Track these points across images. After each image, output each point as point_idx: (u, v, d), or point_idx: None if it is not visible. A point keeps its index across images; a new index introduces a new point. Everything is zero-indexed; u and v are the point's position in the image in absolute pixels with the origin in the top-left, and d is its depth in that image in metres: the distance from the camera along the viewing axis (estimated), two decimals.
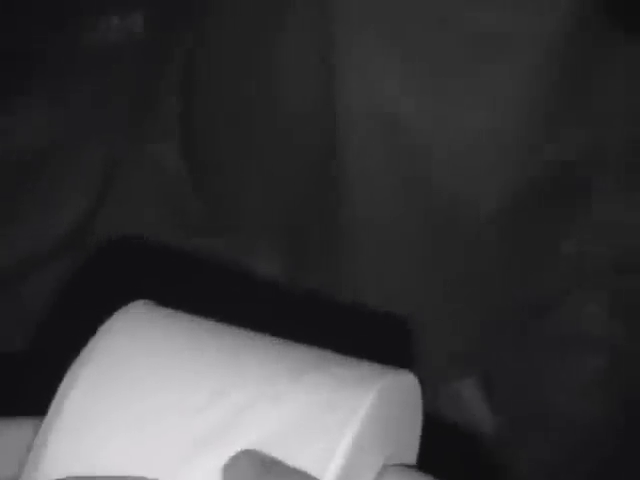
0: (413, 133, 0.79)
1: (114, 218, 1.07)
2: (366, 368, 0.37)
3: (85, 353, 0.37)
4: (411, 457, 0.40)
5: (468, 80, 0.77)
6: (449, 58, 0.77)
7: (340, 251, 0.86)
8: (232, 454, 0.34)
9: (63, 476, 0.34)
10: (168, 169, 1.02)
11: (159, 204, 1.06)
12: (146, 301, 0.40)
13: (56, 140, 1.09)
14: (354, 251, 0.85)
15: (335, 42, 0.78)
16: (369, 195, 0.82)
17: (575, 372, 0.90)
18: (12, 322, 1.00)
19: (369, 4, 0.76)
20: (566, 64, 0.77)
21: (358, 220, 0.83)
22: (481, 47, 0.76)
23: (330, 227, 0.85)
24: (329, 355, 0.38)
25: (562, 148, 0.80)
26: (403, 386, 0.38)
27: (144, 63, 0.98)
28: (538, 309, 0.90)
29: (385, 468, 0.36)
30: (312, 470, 0.33)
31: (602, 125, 0.79)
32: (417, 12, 0.75)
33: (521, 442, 1.10)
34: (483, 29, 0.75)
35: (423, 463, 0.40)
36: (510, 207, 0.82)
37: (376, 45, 0.77)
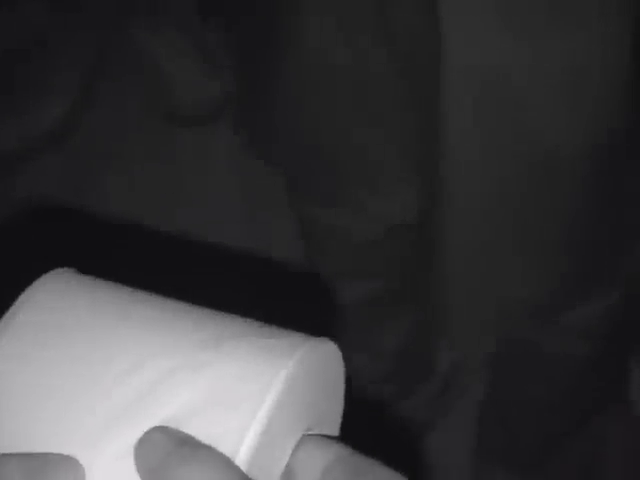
0: (513, 82, 0.79)
1: (101, 111, 1.06)
2: (287, 337, 0.36)
3: (1, 325, 0.37)
4: (333, 428, 0.39)
5: (566, 27, 0.77)
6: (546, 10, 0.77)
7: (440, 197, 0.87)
8: (148, 428, 0.34)
9: None
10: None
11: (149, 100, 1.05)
12: (67, 269, 0.39)
13: (43, 32, 1.07)
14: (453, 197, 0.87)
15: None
16: (472, 142, 0.83)
17: None
18: None
19: None
20: None
21: (460, 167, 0.83)
22: None
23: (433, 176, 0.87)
24: (252, 324, 0.37)
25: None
26: (325, 355, 0.37)
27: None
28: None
29: (304, 438, 0.36)
30: (229, 441, 0.33)
31: None
32: None
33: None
34: None
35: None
36: (607, 150, 0.82)
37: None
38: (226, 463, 0.32)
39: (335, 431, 0.39)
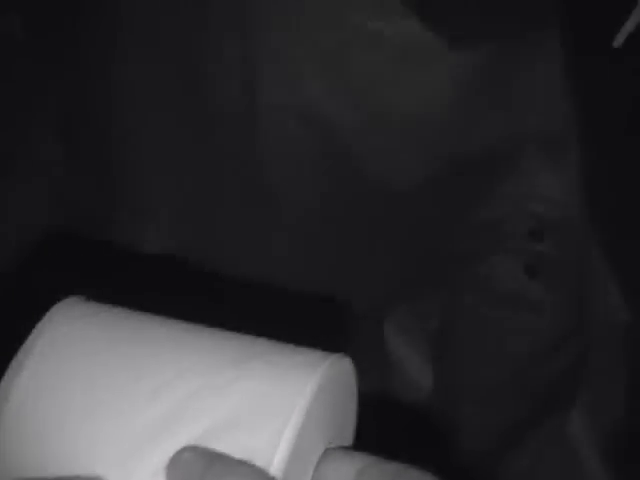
0: (331, 124, 0.81)
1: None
2: (306, 354, 0.37)
3: (22, 355, 0.37)
4: (349, 438, 0.41)
5: (385, 78, 0.81)
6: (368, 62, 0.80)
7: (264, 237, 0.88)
8: (178, 447, 0.34)
9: (10, 476, 0.34)
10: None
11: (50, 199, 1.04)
12: (79, 297, 0.40)
13: None
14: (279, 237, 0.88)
15: (256, 43, 0.80)
16: (291, 186, 0.85)
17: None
18: None
19: (288, 10, 0.78)
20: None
21: (280, 206, 0.85)
22: (397, 52, 0.80)
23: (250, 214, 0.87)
24: (268, 343, 0.38)
25: (482, 129, 0.83)
26: (341, 370, 0.38)
27: (22, 64, 0.95)
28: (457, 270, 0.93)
29: (327, 452, 0.37)
30: (261, 457, 0.34)
31: (524, 108, 0.83)
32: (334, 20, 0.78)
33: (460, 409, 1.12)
34: (401, 37, 0.78)
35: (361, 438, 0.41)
36: (428, 180, 0.85)
37: (296, 47, 0.79)
38: (261, 476, 0.33)
39: (350, 441, 0.41)
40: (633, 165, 0.82)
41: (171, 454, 0.34)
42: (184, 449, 0.34)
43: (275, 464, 0.34)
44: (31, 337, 0.38)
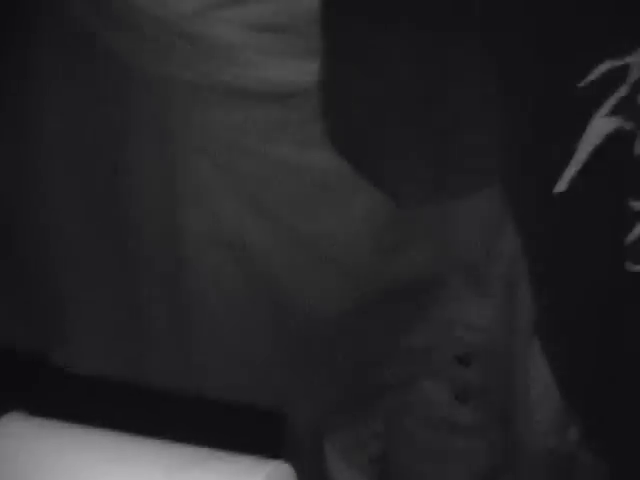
0: (255, 253, 0.84)
1: None
2: (244, 462, 0.38)
3: None
4: None
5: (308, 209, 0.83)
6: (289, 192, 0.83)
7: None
8: None
9: None
10: None
11: None
12: (20, 412, 0.40)
13: None
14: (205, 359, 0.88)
15: (178, 168, 0.82)
16: (218, 307, 0.86)
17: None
18: None
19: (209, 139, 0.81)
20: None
21: (212, 328, 0.86)
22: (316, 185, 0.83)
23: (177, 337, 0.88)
24: (204, 451, 0.39)
25: (407, 257, 0.86)
26: (281, 477, 0.39)
27: None
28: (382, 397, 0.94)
29: None
30: None
31: (449, 237, 0.86)
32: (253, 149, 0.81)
33: None
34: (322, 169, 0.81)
35: None
36: (355, 308, 0.87)
37: (217, 176, 0.82)
38: None
39: None
40: (558, 292, 0.85)
41: None
42: None
43: None
44: None
